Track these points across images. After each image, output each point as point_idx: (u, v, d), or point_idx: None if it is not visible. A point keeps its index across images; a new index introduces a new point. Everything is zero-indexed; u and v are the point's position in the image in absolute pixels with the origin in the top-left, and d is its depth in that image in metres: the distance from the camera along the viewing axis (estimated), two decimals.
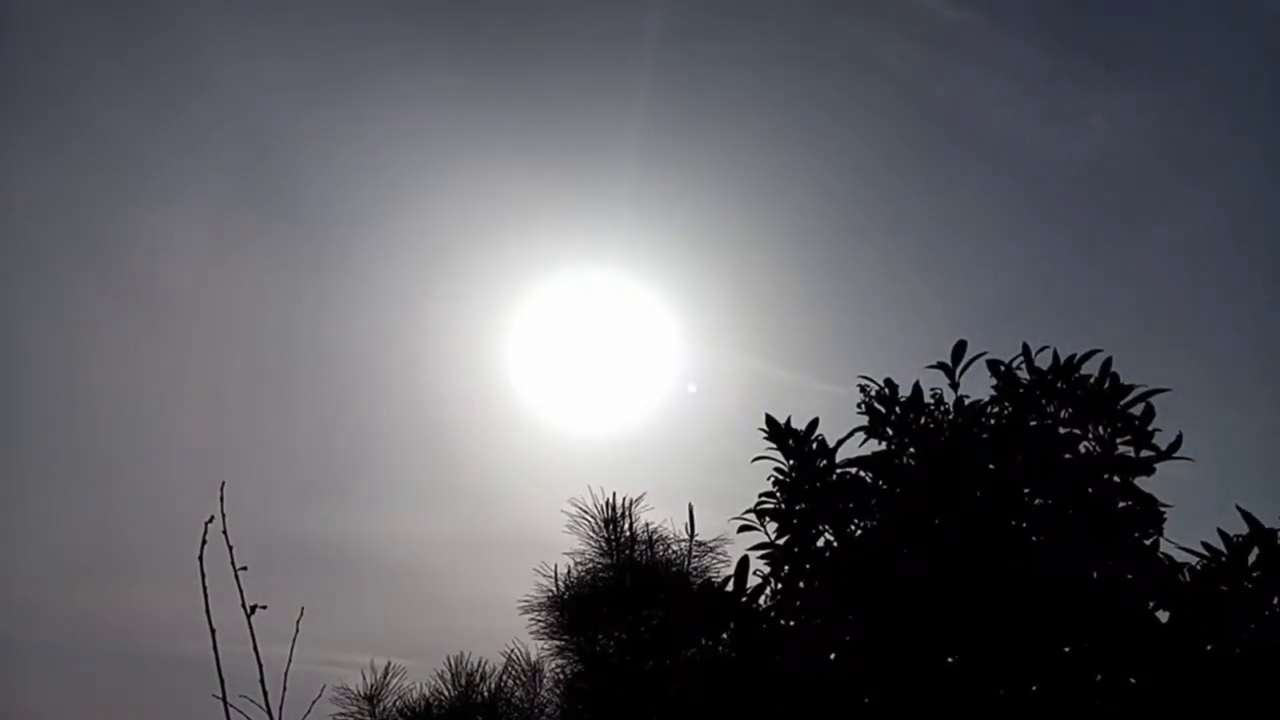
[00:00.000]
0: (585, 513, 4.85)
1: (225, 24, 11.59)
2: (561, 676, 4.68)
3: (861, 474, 4.20)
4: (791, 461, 4.33)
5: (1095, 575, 3.64)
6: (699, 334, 12.60)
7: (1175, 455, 3.77)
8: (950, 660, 3.69)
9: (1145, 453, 3.80)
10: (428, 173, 12.56)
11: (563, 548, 4.85)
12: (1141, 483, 3.80)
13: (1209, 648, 3.34)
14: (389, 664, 4.84)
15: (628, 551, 4.77)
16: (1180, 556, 3.56)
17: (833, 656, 3.84)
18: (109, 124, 11.79)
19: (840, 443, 4.31)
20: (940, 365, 4.23)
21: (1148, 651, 3.39)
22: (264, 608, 2.97)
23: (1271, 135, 11.77)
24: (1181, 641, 3.35)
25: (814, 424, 4.35)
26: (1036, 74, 12.49)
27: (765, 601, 4.10)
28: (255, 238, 12.71)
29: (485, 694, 4.73)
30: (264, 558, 3.04)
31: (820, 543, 4.17)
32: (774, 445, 4.38)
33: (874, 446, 4.26)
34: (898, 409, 4.24)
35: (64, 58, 11.34)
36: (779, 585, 4.14)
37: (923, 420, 4.21)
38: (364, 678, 4.79)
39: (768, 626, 4.00)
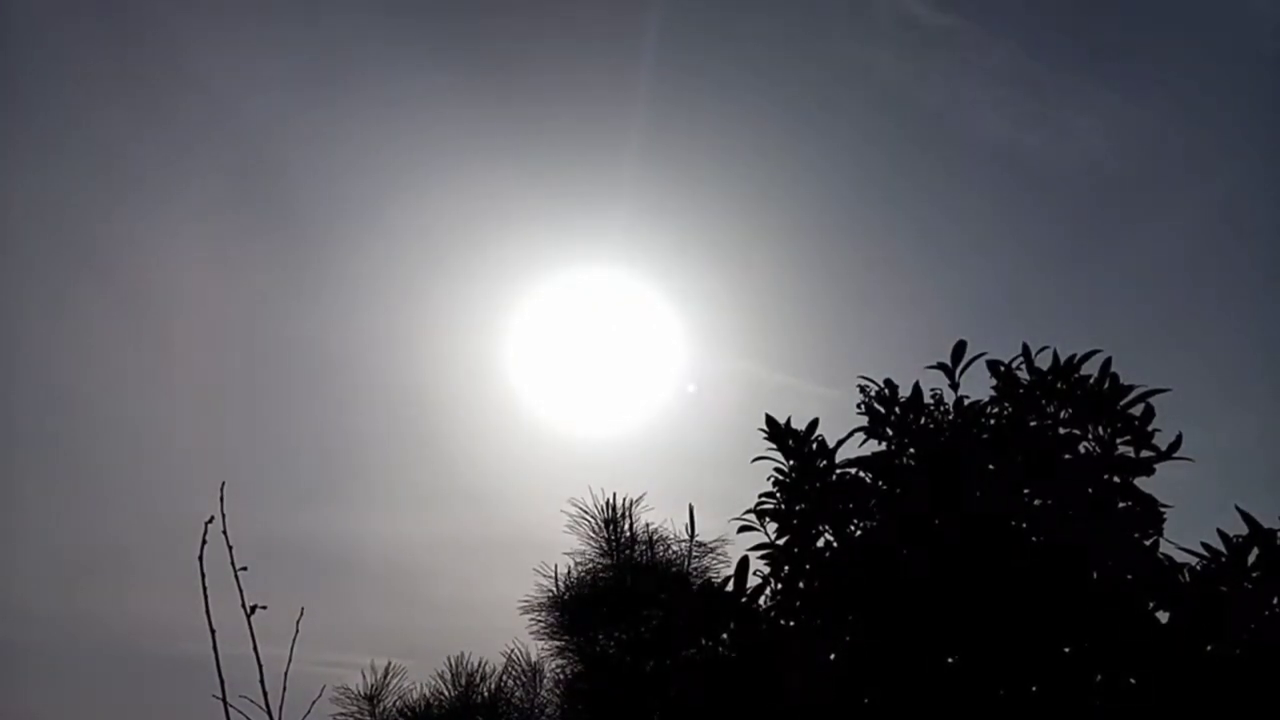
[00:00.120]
0: (585, 513, 4.85)
1: (218, 24, 11.60)
2: (562, 677, 4.68)
3: (861, 474, 4.20)
4: (791, 462, 4.33)
5: (1095, 575, 3.64)
6: (697, 335, 12.61)
7: (1175, 455, 3.78)
8: (950, 660, 3.69)
9: (1145, 453, 3.80)
10: (426, 172, 12.57)
11: (562, 548, 4.85)
12: (1141, 483, 3.80)
13: (1209, 648, 3.34)
14: (389, 664, 4.84)
15: (628, 552, 4.77)
16: (1180, 557, 3.56)
17: (833, 657, 3.84)
18: (101, 125, 11.78)
19: (840, 443, 4.32)
20: (940, 366, 4.23)
21: (1148, 652, 3.39)
22: (264, 608, 2.97)
23: (1260, 137, 11.85)
24: (1181, 641, 3.35)
25: (814, 424, 4.35)
26: (1024, 78, 12.56)
27: (765, 602, 4.10)
28: (251, 238, 12.71)
29: (485, 694, 4.73)
30: (262, 559, 3.04)
31: (820, 543, 4.17)
32: (774, 445, 4.38)
33: (874, 447, 4.27)
34: (897, 409, 4.24)
35: (54, 58, 11.34)
36: (779, 586, 4.14)
37: (923, 420, 4.21)
38: (364, 678, 4.80)
39: (767, 627, 4.00)
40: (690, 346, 12.56)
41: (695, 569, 4.73)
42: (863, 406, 4.31)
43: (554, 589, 4.77)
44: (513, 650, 4.77)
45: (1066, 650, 3.57)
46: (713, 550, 4.75)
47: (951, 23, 12.03)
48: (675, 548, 4.77)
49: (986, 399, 4.14)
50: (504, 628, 4.84)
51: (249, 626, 2.94)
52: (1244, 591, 3.35)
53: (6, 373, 11.92)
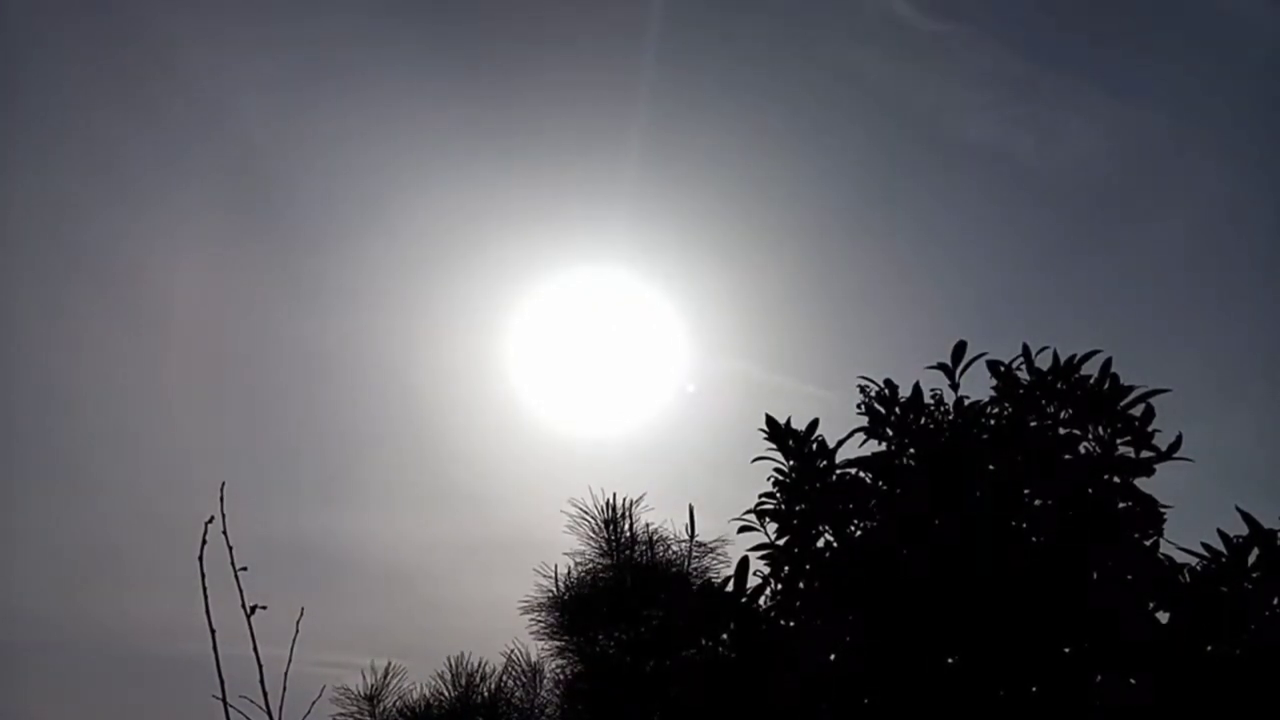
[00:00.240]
0: (585, 513, 4.86)
1: (212, 24, 11.58)
2: (562, 677, 4.69)
3: (861, 474, 4.20)
4: (791, 462, 4.34)
5: (1095, 575, 3.64)
6: (695, 335, 12.61)
7: (1175, 456, 3.78)
8: (950, 661, 3.69)
9: (1145, 453, 3.80)
10: (424, 172, 12.56)
11: (562, 548, 4.85)
12: (1141, 483, 3.80)
13: (1209, 648, 3.34)
14: (389, 664, 4.85)
15: (628, 552, 4.77)
16: (1180, 557, 3.56)
17: (833, 657, 3.84)
18: (95, 125, 11.76)
19: (840, 443, 4.32)
20: (940, 366, 4.23)
21: (1148, 652, 3.39)
22: (264, 608, 2.97)
23: (1248, 141, 11.90)
24: (1181, 642, 3.35)
25: (814, 425, 4.36)
26: (1014, 83, 12.61)
27: (765, 602, 4.10)
28: (249, 239, 12.70)
29: (485, 694, 4.73)
30: (261, 559, 3.03)
31: (820, 543, 4.17)
32: (774, 446, 4.38)
33: (874, 447, 4.27)
34: (898, 409, 4.24)
35: (46, 57, 11.32)
36: (779, 586, 4.14)
37: (923, 421, 4.21)
38: (364, 678, 4.80)
39: (768, 627, 4.00)
40: (688, 347, 12.57)
41: (695, 569, 4.73)
42: (863, 407, 4.31)
43: (554, 589, 4.77)
44: (513, 650, 4.78)
45: (1066, 650, 3.57)
46: (713, 550, 4.76)
47: (943, 27, 12.08)
48: (675, 548, 4.77)
49: (987, 399, 4.14)
50: (504, 628, 4.84)
51: (249, 627, 2.94)
52: (1244, 592, 3.36)
53: (4, 374, 11.91)
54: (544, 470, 11.76)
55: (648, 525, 4.84)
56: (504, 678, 4.75)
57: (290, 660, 2.98)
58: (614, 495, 4.88)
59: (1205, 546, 3.47)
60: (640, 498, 4.87)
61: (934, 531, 3.83)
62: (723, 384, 12.61)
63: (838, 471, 4.27)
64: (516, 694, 4.74)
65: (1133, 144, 12.71)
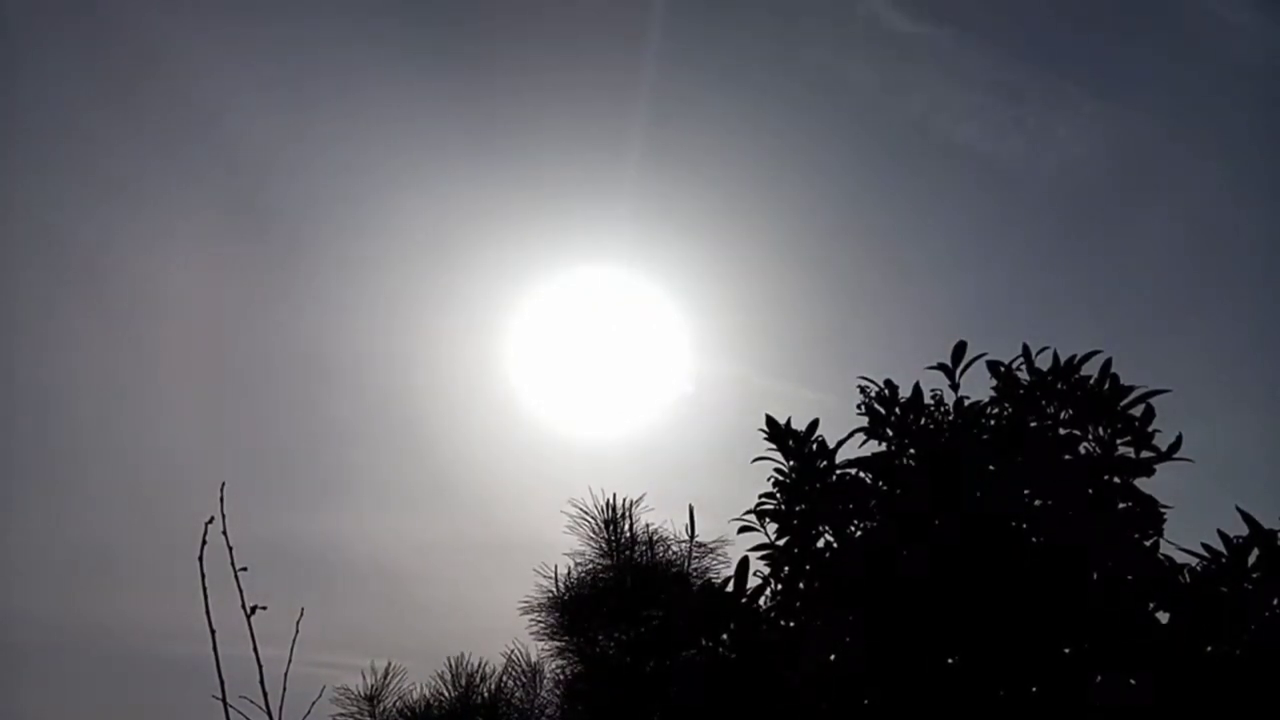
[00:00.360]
0: (585, 514, 4.85)
1: (204, 23, 11.56)
2: (562, 677, 4.68)
3: (861, 475, 4.20)
4: (792, 462, 4.34)
5: (1095, 576, 3.64)
6: (694, 337, 12.62)
7: (1175, 456, 3.78)
8: (950, 661, 3.69)
9: (1145, 454, 3.80)
10: (423, 171, 12.55)
11: (562, 549, 4.85)
12: (1141, 483, 3.80)
13: (1209, 648, 3.34)
14: (389, 664, 4.85)
15: (628, 552, 4.77)
16: (1180, 558, 3.56)
17: (833, 657, 3.84)
18: (84, 126, 11.73)
19: (840, 444, 4.32)
20: (940, 366, 4.23)
21: (1148, 652, 3.39)
22: (264, 608, 2.97)
23: (1237, 141, 11.96)
24: (1181, 642, 3.36)
25: (814, 425, 4.36)
26: (1001, 87, 12.67)
27: (765, 602, 4.10)
28: (246, 239, 12.68)
29: (485, 695, 4.73)
30: (260, 561, 3.03)
31: (820, 544, 4.17)
32: (774, 446, 4.38)
33: (874, 447, 4.27)
34: (898, 410, 4.24)
35: (34, 57, 11.30)
36: (779, 586, 4.14)
37: (923, 421, 4.21)
38: (364, 678, 4.80)
39: (768, 627, 4.00)
40: (687, 348, 12.58)
41: (695, 570, 4.73)
42: (863, 407, 4.31)
43: (554, 589, 4.77)
44: (513, 651, 4.78)
45: (1066, 651, 3.57)
46: (713, 551, 4.75)
47: (927, 33, 12.14)
48: (675, 548, 4.77)
49: (987, 399, 4.14)
50: (504, 629, 4.84)
51: (249, 627, 2.93)
52: (1244, 592, 3.36)
53: (2, 375, 11.90)
54: (544, 471, 11.75)
55: (648, 526, 4.84)
56: (504, 678, 4.75)
57: (290, 660, 2.98)
58: (614, 496, 4.88)
59: (1205, 547, 3.48)
60: (640, 498, 4.87)
61: (934, 532, 3.83)
62: (722, 384, 12.62)
63: (838, 472, 4.27)
64: (516, 694, 4.74)
65: (1121, 146, 12.77)
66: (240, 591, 2.94)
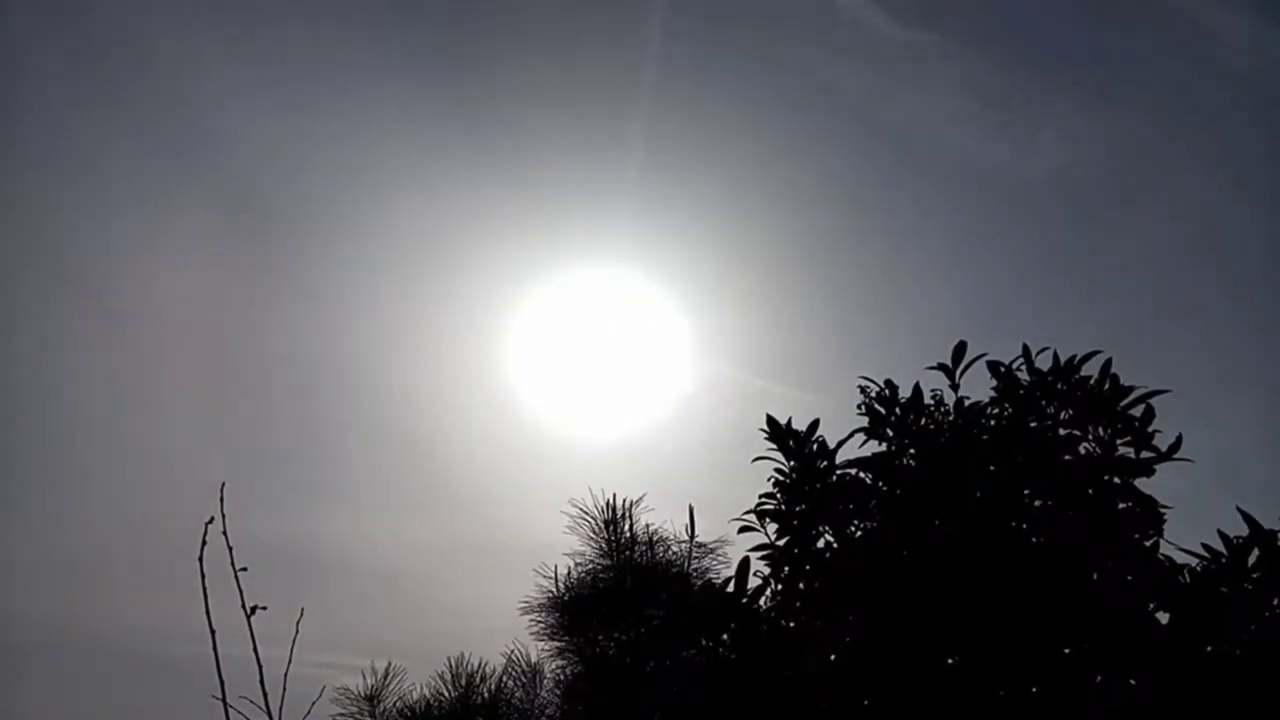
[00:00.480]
0: (585, 514, 4.85)
1: (199, 24, 11.55)
2: (562, 677, 4.68)
3: (862, 475, 4.20)
4: (792, 463, 4.34)
5: (1095, 576, 3.64)
6: (695, 337, 12.62)
7: (1175, 457, 3.78)
8: (950, 661, 3.69)
9: (1145, 454, 3.80)
10: (422, 170, 12.55)
11: (562, 549, 4.85)
12: (1141, 483, 3.81)
13: (1209, 649, 3.34)
14: (389, 665, 4.85)
15: (628, 553, 4.77)
16: (1180, 558, 3.56)
17: (833, 657, 3.84)
18: (75, 129, 11.71)
19: (840, 444, 4.32)
20: (940, 366, 4.23)
21: (1148, 652, 3.39)
22: (264, 608, 2.97)
23: (1226, 144, 12.02)
24: (1181, 642, 3.35)
25: (814, 425, 4.36)
26: (988, 92, 12.75)
27: (765, 603, 4.10)
28: (243, 240, 12.66)
29: (486, 695, 4.73)
30: (258, 562, 3.03)
31: (820, 544, 4.17)
32: (774, 446, 4.38)
33: (874, 448, 4.27)
34: (898, 410, 4.24)
35: (22, 56, 11.27)
36: (779, 586, 4.14)
37: (923, 421, 4.21)
38: (364, 679, 4.80)
39: (768, 627, 4.00)
40: (687, 349, 12.58)
41: (695, 570, 4.73)
42: (863, 407, 4.31)
43: (554, 590, 4.77)
44: (513, 651, 4.78)
45: (1066, 651, 3.57)
46: (713, 551, 4.75)
47: (915, 38, 12.20)
48: (675, 549, 4.77)
49: (987, 400, 4.14)
50: (504, 629, 4.84)
51: (249, 627, 2.93)
52: (1244, 592, 3.36)
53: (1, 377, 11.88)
54: (543, 471, 11.75)
55: (648, 526, 4.84)
56: (504, 678, 4.75)
57: (290, 661, 2.98)
58: (614, 496, 4.88)
59: (1205, 547, 3.48)
60: (640, 498, 4.87)
61: (934, 532, 3.83)
62: (722, 385, 12.63)
63: (838, 472, 4.27)
64: (516, 694, 4.74)
65: (1109, 150, 12.83)
66: (240, 592, 2.94)
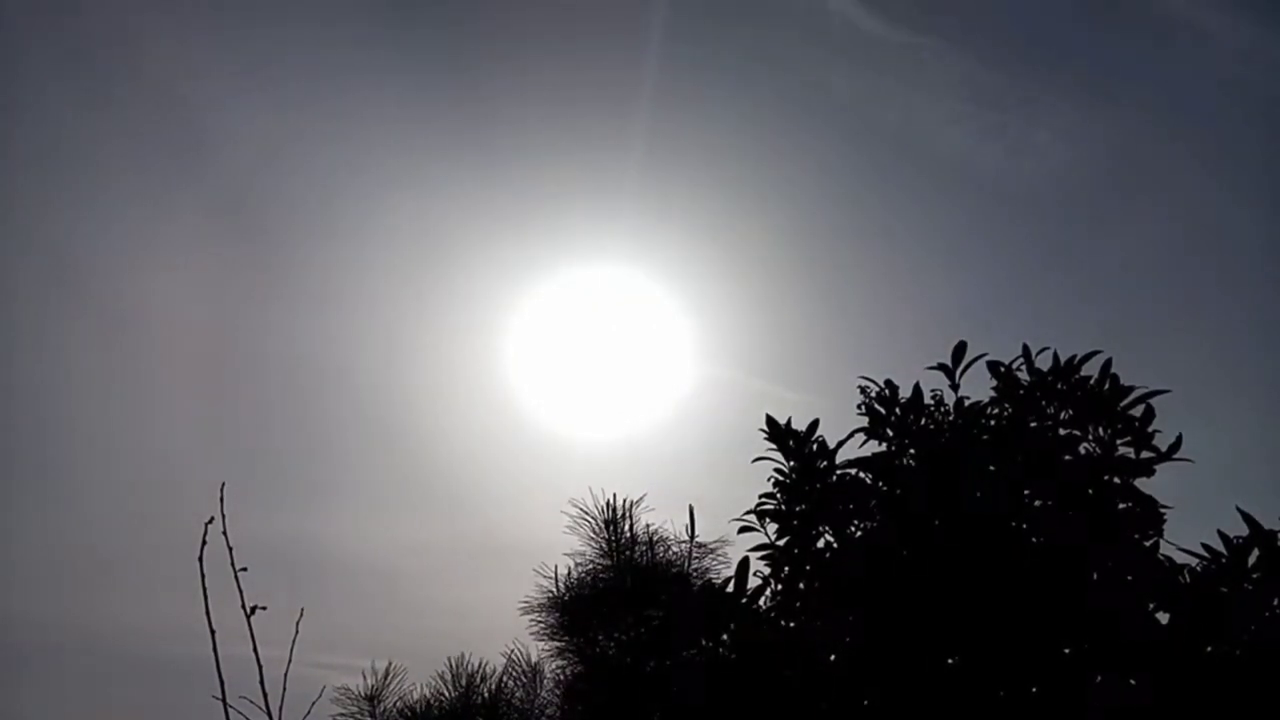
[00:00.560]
0: (585, 514, 4.85)
1: (193, 24, 11.55)
2: (562, 677, 4.68)
3: (862, 475, 4.20)
4: (792, 463, 4.34)
5: (1095, 576, 3.64)
6: (694, 338, 12.62)
7: (1175, 457, 3.78)
8: (950, 661, 3.69)
9: (1145, 454, 3.80)
10: (422, 170, 12.55)
11: (562, 549, 4.85)
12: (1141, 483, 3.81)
13: (1209, 649, 3.34)
14: (389, 665, 4.85)
15: (628, 553, 4.77)
16: (1180, 558, 3.56)
17: (833, 657, 3.84)
18: (67, 132, 11.70)
19: (840, 444, 4.32)
20: (940, 366, 4.23)
21: (1148, 652, 3.39)
22: (263, 608, 2.97)
23: (1217, 145, 12.05)
24: (1181, 642, 3.35)
25: (814, 425, 4.36)
26: (982, 94, 12.80)
27: (765, 602, 4.10)
28: (239, 240, 12.67)
29: (486, 695, 4.73)
30: (257, 562, 3.03)
31: (820, 544, 4.17)
32: (774, 446, 4.38)
33: (874, 448, 4.27)
34: (898, 410, 4.24)
35: (10, 57, 11.27)
36: (779, 586, 4.14)
37: (923, 421, 4.21)
38: (364, 679, 4.80)
39: (768, 627, 4.00)
40: (687, 349, 12.58)
41: (696, 570, 4.72)
42: (863, 407, 4.31)
43: (554, 590, 4.77)
44: (513, 651, 4.78)
45: (1066, 651, 3.57)
46: (713, 551, 4.75)
47: (908, 41, 12.24)
48: (675, 549, 4.77)
49: (987, 400, 4.14)
50: (504, 629, 4.84)
51: (249, 627, 2.94)
52: (1244, 592, 3.36)
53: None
54: (543, 471, 11.76)
55: (648, 526, 4.84)
56: (504, 678, 4.75)
57: (290, 661, 2.98)
58: (614, 496, 4.88)
59: (1205, 547, 3.48)
60: (640, 498, 4.87)
61: (934, 532, 3.83)
62: (722, 386, 12.63)
63: (838, 472, 4.27)
64: (517, 694, 4.74)
65: (1103, 151, 12.88)
66: (240, 592, 2.94)
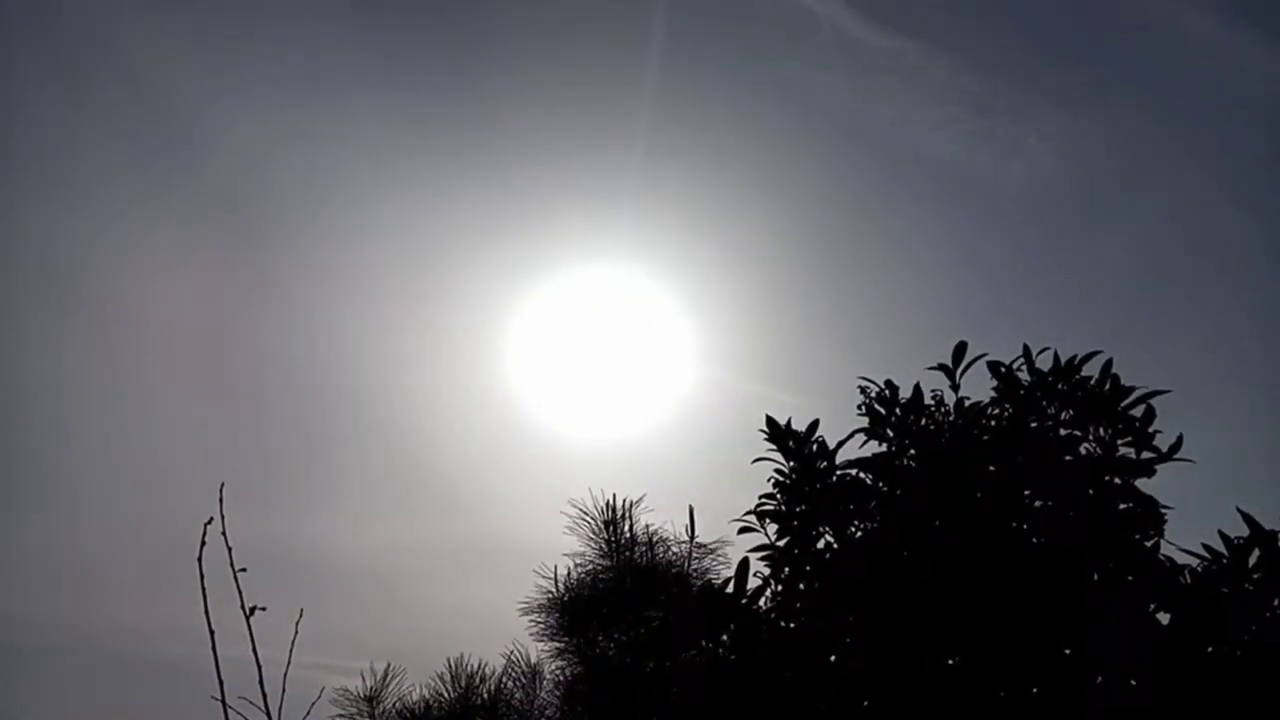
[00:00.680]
0: (585, 515, 4.85)
1: (188, 24, 11.53)
2: (561, 678, 4.68)
3: (862, 475, 4.20)
4: (792, 463, 4.33)
5: (1096, 576, 3.64)
6: (696, 338, 12.63)
7: (1176, 457, 3.77)
8: (951, 662, 3.68)
9: (1146, 454, 3.80)
10: (421, 169, 12.54)
11: (562, 550, 4.85)
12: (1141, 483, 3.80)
13: (1209, 649, 3.34)
14: (389, 665, 4.84)
15: (628, 553, 4.77)
16: (1181, 558, 3.56)
17: (833, 658, 3.84)
18: (61, 133, 11.69)
19: (840, 444, 4.31)
20: (940, 366, 4.23)
21: (1148, 653, 3.38)
22: (263, 609, 2.97)
23: (1207, 148, 12.12)
24: (1181, 642, 3.35)
25: (814, 425, 4.35)
26: (966, 99, 12.86)
27: (765, 603, 4.09)
28: (237, 241, 12.66)
29: (485, 696, 4.73)
30: (256, 563, 3.03)
31: (820, 544, 4.16)
32: (774, 447, 4.38)
33: (874, 448, 4.27)
34: (898, 410, 4.24)
35: (2, 59, 11.25)
36: (779, 587, 4.14)
37: (923, 422, 4.21)
38: (363, 680, 4.79)
39: (768, 628, 4.00)
40: (687, 350, 12.58)
41: (695, 570, 4.72)
42: (863, 407, 4.30)
43: (554, 590, 4.76)
44: (512, 652, 4.77)
45: (1067, 651, 3.56)
46: (713, 552, 4.75)
47: (895, 45, 12.29)
48: (675, 549, 4.77)
49: (987, 400, 4.14)
50: (503, 630, 4.84)
51: (248, 628, 2.93)
52: (1244, 593, 3.35)
53: None
54: (543, 472, 11.76)
55: (648, 526, 4.84)
56: (504, 679, 4.75)
57: (289, 662, 2.98)
58: (614, 496, 4.87)
59: (1205, 547, 3.47)
60: (640, 499, 4.87)
61: (934, 532, 3.83)
62: (723, 387, 12.63)
63: (838, 472, 4.26)
64: (516, 695, 4.73)
65: (1072, 163, 12.97)
66: (240, 593, 2.94)
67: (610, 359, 12.10)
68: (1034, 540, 3.77)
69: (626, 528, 4.83)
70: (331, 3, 12.00)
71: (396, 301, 13.00)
